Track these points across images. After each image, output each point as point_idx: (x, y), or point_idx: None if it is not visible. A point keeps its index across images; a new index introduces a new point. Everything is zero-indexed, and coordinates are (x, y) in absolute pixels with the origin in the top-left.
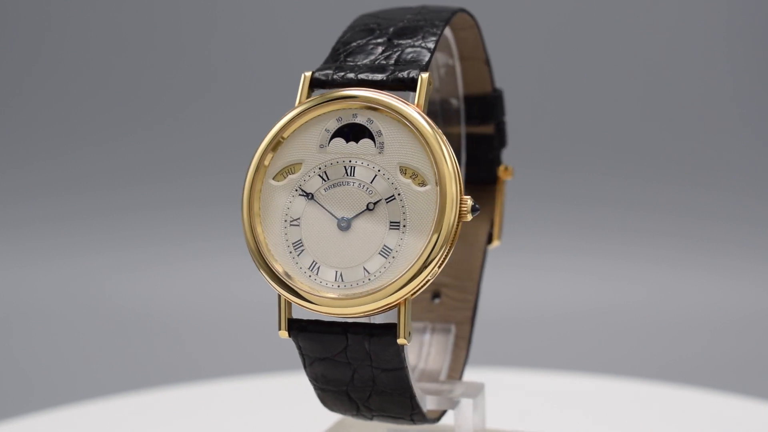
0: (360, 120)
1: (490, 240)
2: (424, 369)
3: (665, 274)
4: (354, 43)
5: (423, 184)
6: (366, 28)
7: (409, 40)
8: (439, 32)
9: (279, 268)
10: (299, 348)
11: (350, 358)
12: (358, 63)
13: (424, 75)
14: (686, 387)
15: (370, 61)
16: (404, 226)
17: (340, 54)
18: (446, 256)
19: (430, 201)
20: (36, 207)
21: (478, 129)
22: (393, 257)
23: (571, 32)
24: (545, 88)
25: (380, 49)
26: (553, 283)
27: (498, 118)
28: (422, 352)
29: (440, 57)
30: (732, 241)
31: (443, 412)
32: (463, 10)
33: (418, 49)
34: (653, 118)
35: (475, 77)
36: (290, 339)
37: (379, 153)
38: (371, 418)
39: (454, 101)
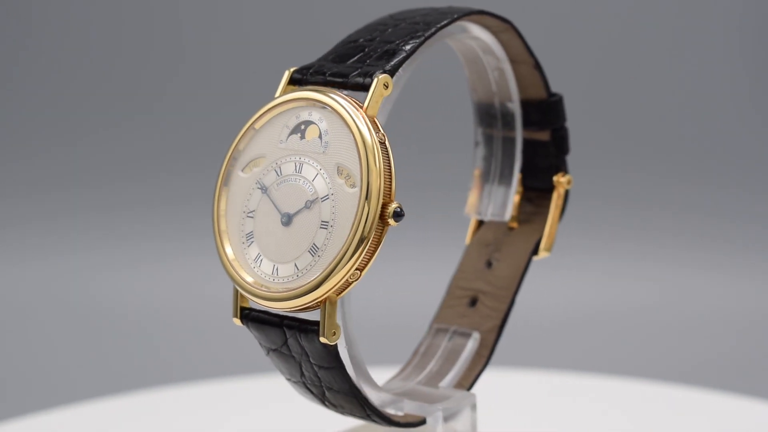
0: (313, 118)
1: (537, 250)
2: (431, 372)
3: (676, 275)
4: (353, 43)
5: (354, 186)
6: (374, 27)
7: (396, 41)
8: (425, 35)
9: (231, 257)
10: (255, 337)
11: (293, 352)
12: (339, 62)
13: (381, 77)
14: (703, 389)
15: (352, 61)
16: (332, 226)
17: (333, 53)
18: (368, 259)
19: (355, 203)
20: (32, 205)
21: (535, 135)
22: (318, 256)
23: (575, 27)
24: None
25: (367, 49)
26: (563, 283)
27: (554, 125)
28: (435, 356)
29: (491, 60)
30: (746, 240)
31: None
32: (483, 12)
33: (396, 51)
34: (677, 115)
35: (528, 82)
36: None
37: (323, 152)
38: (343, 413)
39: (510, 105)
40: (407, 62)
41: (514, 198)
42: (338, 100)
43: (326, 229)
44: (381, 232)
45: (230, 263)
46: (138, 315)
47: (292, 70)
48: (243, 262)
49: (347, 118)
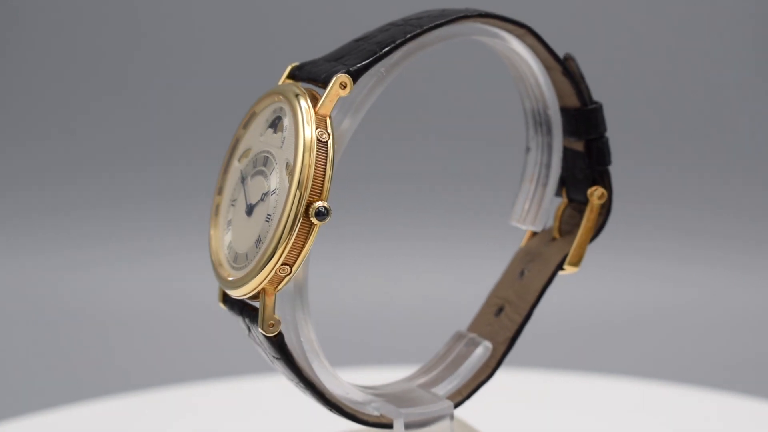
0: (282, 114)
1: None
2: (435, 376)
3: (692, 274)
4: (355, 42)
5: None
6: (382, 27)
7: (383, 42)
8: (400, 40)
9: (214, 243)
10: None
11: (256, 340)
12: (329, 60)
13: (338, 77)
14: (716, 390)
15: (337, 60)
16: (272, 219)
17: (335, 50)
18: (295, 255)
19: (285, 199)
20: (31, 201)
21: (573, 144)
22: (259, 248)
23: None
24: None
25: (357, 50)
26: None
27: (589, 136)
28: (446, 361)
29: (526, 66)
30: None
31: None
32: (486, 15)
33: (375, 52)
34: (713, 114)
35: (562, 89)
36: None
37: (281, 147)
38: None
39: (549, 112)
40: (383, 63)
41: (558, 208)
42: (299, 98)
43: (269, 222)
44: (308, 230)
45: (212, 248)
46: (137, 315)
47: (293, 65)
48: (220, 247)
49: (298, 115)
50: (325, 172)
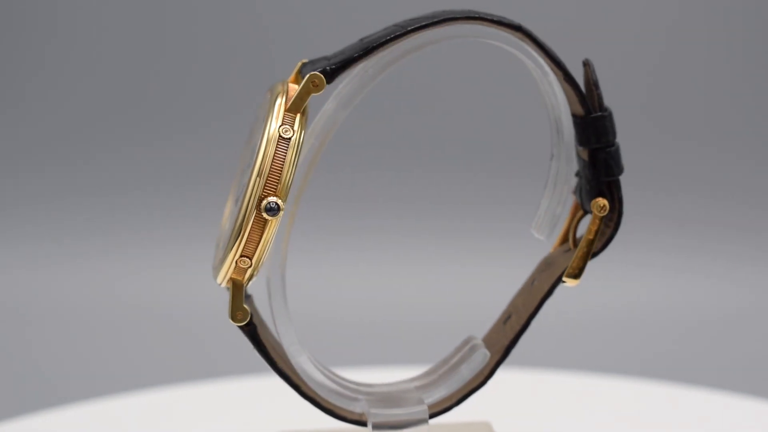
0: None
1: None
2: (432, 380)
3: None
4: (360, 40)
5: None
6: (386, 27)
7: (371, 42)
8: (382, 41)
9: (218, 232)
10: None
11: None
12: (327, 59)
13: (309, 75)
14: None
15: (331, 59)
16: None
17: (340, 49)
18: (253, 248)
19: (245, 191)
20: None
21: (582, 153)
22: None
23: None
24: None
25: (351, 48)
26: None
27: (593, 145)
28: (446, 365)
29: (538, 72)
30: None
31: None
32: (479, 17)
33: (356, 51)
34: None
35: (568, 95)
36: None
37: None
38: None
39: (562, 118)
40: (371, 62)
41: (574, 218)
42: (278, 96)
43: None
44: (262, 224)
45: (217, 236)
46: (136, 315)
47: (302, 61)
48: (219, 238)
49: (270, 111)
50: (282, 168)
